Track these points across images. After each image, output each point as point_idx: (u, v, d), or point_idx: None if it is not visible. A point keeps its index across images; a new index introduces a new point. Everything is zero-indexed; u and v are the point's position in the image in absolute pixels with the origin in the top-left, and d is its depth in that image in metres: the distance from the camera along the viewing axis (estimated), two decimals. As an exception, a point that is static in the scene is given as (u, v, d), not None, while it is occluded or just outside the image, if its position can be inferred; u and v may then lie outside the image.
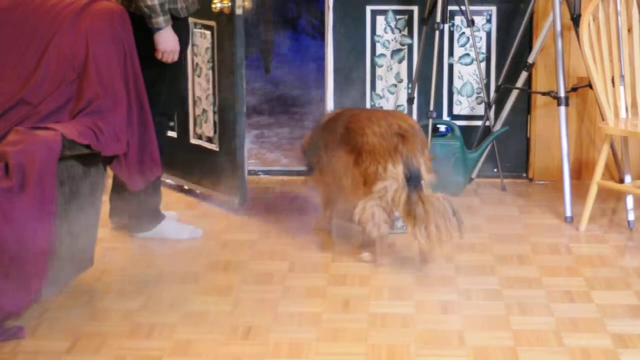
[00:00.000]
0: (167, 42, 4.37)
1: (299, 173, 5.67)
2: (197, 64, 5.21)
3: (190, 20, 4.83)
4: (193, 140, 5.29)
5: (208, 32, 5.09)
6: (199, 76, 5.21)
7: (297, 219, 4.99)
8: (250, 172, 5.80)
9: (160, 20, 4.32)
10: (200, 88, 5.21)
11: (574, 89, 5.35)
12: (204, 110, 5.20)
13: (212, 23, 5.04)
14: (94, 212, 3.96)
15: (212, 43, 5.08)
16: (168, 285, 4.16)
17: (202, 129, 5.23)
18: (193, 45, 5.16)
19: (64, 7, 3.96)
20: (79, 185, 3.79)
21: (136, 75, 3.96)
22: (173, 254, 4.53)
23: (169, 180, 5.38)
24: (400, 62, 5.70)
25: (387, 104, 5.72)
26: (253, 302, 3.96)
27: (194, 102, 5.26)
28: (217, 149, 5.14)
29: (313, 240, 4.67)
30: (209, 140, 5.19)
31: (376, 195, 4.21)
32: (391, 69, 5.70)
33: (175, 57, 4.43)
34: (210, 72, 5.14)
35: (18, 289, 3.45)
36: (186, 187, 5.38)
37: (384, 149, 4.19)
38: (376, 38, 5.68)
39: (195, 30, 5.14)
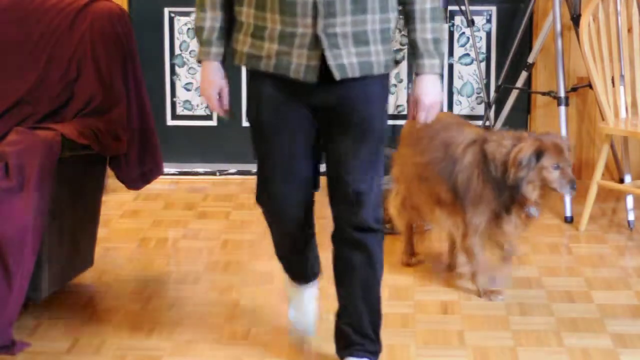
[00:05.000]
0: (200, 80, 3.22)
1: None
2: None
3: None
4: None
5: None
6: None
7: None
8: (250, 173, 5.80)
9: (198, 49, 3.19)
10: None
11: (574, 89, 5.35)
12: None
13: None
14: (94, 212, 3.96)
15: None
16: (168, 285, 4.16)
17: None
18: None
19: (64, 7, 3.96)
20: (79, 185, 3.80)
21: (136, 75, 3.96)
22: (173, 254, 4.53)
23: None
24: (400, 62, 5.70)
25: (387, 104, 5.72)
26: (253, 302, 3.96)
27: None
28: None
29: (313, 240, 4.67)
30: None
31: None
32: (391, 69, 5.70)
33: (211, 105, 3.19)
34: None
35: (12, 291, 3.45)
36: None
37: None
38: (376, 38, 5.68)
39: None
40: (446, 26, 2.88)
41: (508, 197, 3.85)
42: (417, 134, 4.05)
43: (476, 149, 3.91)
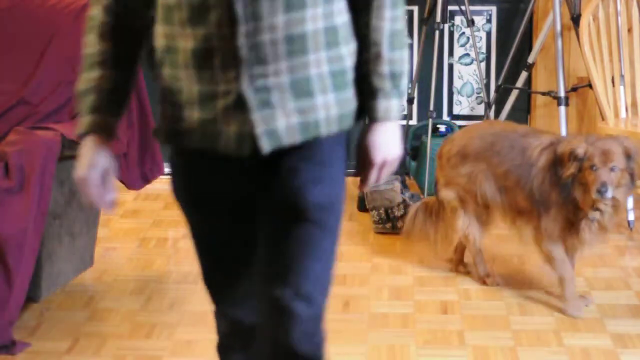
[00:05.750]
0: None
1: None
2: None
3: None
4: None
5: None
6: None
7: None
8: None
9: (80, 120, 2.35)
10: None
11: (574, 89, 5.35)
12: None
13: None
14: (94, 212, 3.96)
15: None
16: (168, 285, 4.16)
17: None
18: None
19: (63, 7, 3.96)
20: (79, 185, 3.79)
21: (136, 75, 3.96)
22: (173, 254, 4.52)
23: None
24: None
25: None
26: (253, 302, 3.96)
27: None
28: None
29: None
30: None
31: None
32: (391, 69, 5.69)
33: (93, 197, 2.34)
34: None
35: (12, 291, 3.45)
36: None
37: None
38: (376, 38, 5.67)
39: None
40: (407, 56, 2.27)
41: (573, 200, 3.75)
42: (491, 148, 3.97)
43: (550, 151, 3.83)
